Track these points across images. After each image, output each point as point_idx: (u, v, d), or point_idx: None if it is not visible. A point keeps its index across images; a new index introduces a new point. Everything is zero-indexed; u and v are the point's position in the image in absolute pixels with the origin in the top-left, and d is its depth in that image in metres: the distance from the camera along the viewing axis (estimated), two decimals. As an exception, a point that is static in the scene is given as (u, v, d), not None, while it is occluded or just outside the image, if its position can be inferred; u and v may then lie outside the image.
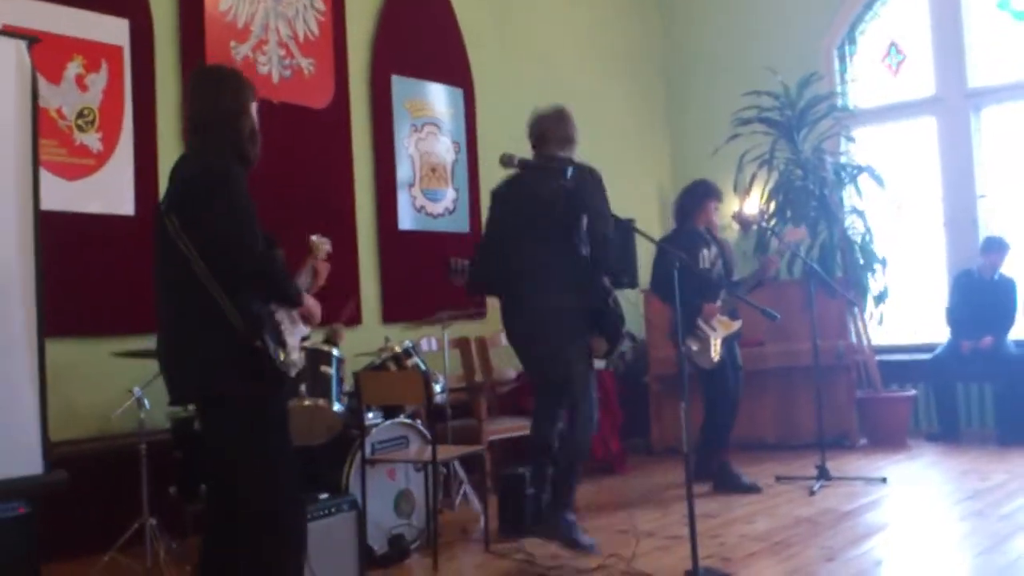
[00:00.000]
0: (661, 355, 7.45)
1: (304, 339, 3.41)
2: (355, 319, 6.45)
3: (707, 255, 5.97)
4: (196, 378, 3.12)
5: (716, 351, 5.83)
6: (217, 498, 3.20)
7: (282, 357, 3.12)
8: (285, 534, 3.15)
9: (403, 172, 7.02)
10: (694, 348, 5.80)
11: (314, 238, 3.60)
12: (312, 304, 3.34)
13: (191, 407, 4.88)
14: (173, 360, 3.18)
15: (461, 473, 5.80)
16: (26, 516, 4.02)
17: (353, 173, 6.69)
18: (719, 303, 5.84)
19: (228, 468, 3.16)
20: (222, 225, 2.99)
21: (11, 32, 4.27)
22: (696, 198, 6.07)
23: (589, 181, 4.34)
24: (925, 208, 8.41)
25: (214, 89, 3.25)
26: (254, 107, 3.30)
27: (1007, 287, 7.58)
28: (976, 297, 7.57)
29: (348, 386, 4.97)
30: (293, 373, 3.21)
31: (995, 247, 7.60)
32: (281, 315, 3.24)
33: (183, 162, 3.19)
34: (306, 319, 3.35)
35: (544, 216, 4.36)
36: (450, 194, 7.35)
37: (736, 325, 5.92)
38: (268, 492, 3.12)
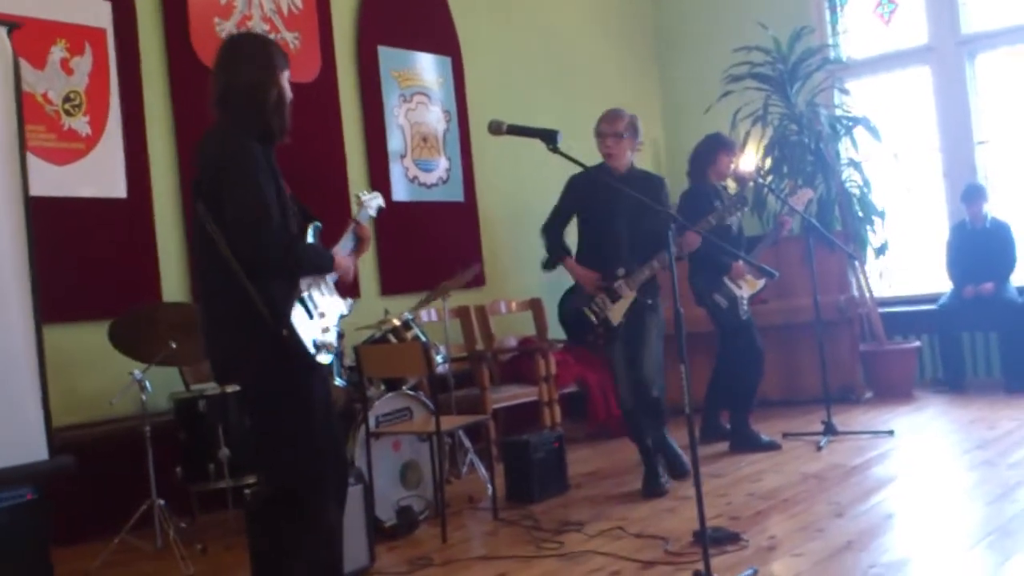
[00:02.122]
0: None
1: (342, 317, 3.35)
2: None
3: None
4: (228, 359, 3.13)
5: (743, 310, 5.82)
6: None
7: (313, 341, 3.09)
8: (310, 516, 3.12)
9: (394, 143, 6.97)
10: (723, 306, 5.79)
11: (361, 195, 3.55)
12: (344, 264, 3.29)
13: (193, 388, 4.93)
14: (209, 340, 3.16)
15: (466, 442, 5.80)
16: (35, 502, 4.04)
17: (344, 146, 6.64)
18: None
19: (265, 448, 3.19)
20: (236, 214, 2.95)
21: (-8, 18, 4.22)
22: (710, 152, 6.00)
23: None
24: (923, 158, 8.35)
25: (237, 59, 3.16)
26: (285, 76, 3.19)
27: (1002, 232, 7.54)
28: (973, 247, 7.52)
29: (349, 360, 4.96)
30: (326, 356, 3.15)
31: (972, 195, 7.56)
32: (316, 293, 3.19)
33: (207, 138, 3.12)
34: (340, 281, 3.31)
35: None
36: (443, 163, 7.30)
37: (760, 284, 5.90)
38: (291, 472, 3.11)
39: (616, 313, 4.97)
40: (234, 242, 2.97)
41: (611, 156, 5.02)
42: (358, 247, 3.47)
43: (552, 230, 5.19)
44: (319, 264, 3.20)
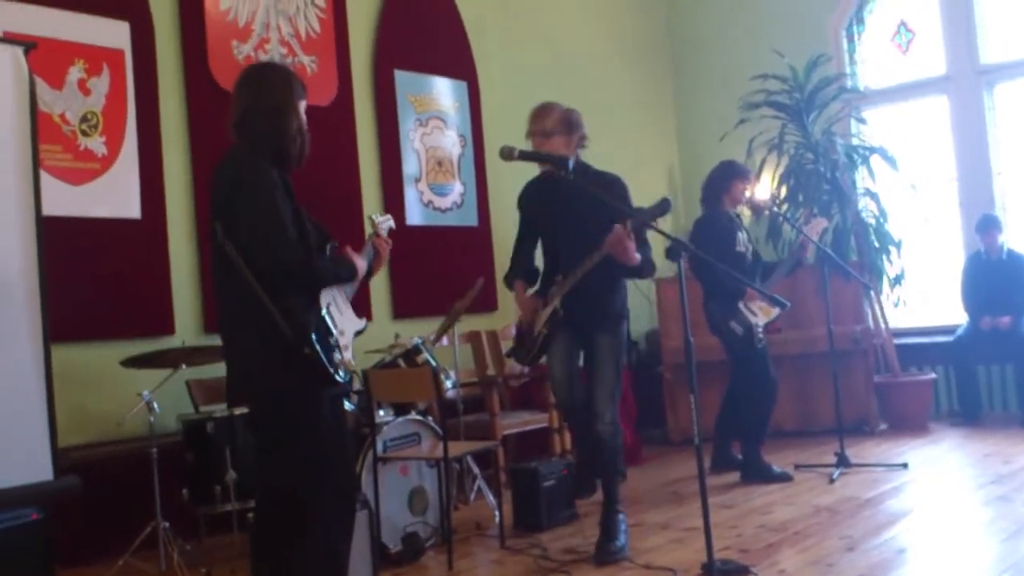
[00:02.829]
0: (674, 345, 7.39)
1: (358, 333, 3.37)
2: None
3: (742, 239, 5.92)
4: (248, 379, 3.12)
5: (758, 338, 5.78)
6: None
7: (333, 361, 3.09)
8: (311, 536, 3.10)
9: (409, 167, 6.98)
10: (739, 333, 5.75)
11: (374, 217, 3.58)
12: (361, 266, 3.32)
13: (202, 409, 4.92)
14: (228, 360, 3.17)
15: (475, 468, 5.77)
16: (39, 522, 4.03)
17: (359, 169, 6.65)
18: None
19: (269, 465, 3.16)
20: (253, 236, 2.98)
21: (7, 39, 4.25)
22: (725, 179, 5.97)
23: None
24: (940, 188, 8.31)
25: (258, 85, 3.20)
26: (302, 106, 3.23)
27: (1018, 264, 7.49)
28: (989, 278, 7.47)
29: (358, 384, 4.94)
30: (344, 375, 3.16)
31: (986, 225, 7.51)
32: (334, 309, 3.21)
33: (223, 162, 3.14)
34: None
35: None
36: (457, 188, 7.30)
37: (775, 312, 5.83)
38: (294, 490, 3.09)
39: (539, 320, 4.47)
40: (250, 257, 2.98)
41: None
42: (375, 262, 3.49)
43: (517, 254, 4.72)
44: (339, 273, 3.22)
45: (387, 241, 3.58)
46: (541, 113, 4.46)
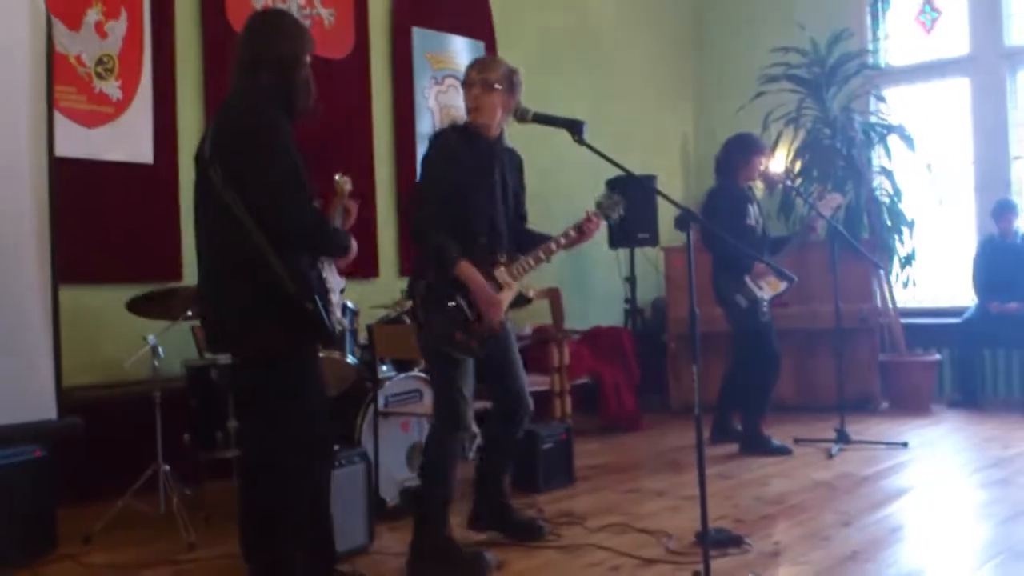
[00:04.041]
0: (680, 314, 7.38)
1: (341, 291, 3.38)
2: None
3: (753, 212, 5.89)
4: (240, 330, 3.08)
5: (763, 312, 5.76)
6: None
7: (331, 319, 3.10)
8: (296, 489, 3.12)
9: (423, 125, 6.95)
10: (743, 306, 5.74)
11: (337, 177, 3.58)
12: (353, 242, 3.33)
13: (207, 356, 4.93)
14: (215, 309, 3.13)
15: (475, 427, 5.77)
16: (42, 460, 4.07)
17: (372, 125, 6.64)
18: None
19: (259, 420, 3.16)
20: (267, 187, 2.93)
21: (26, -23, 4.22)
22: (744, 153, 5.92)
23: None
24: (956, 170, 8.25)
25: (269, 31, 3.15)
26: (308, 59, 3.20)
27: None
28: (1002, 262, 7.44)
29: (361, 338, 4.96)
30: (338, 332, 3.18)
31: (1002, 210, 7.48)
32: (325, 268, 3.22)
33: (228, 105, 3.09)
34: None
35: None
36: (471, 148, 7.27)
37: (782, 286, 5.81)
38: (280, 444, 3.09)
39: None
40: (260, 211, 2.95)
41: (478, 111, 3.85)
42: (344, 222, 3.47)
43: (446, 220, 3.71)
44: (341, 244, 3.21)
45: (355, 201, 3.55)
46: (487, 63, 3.96)
